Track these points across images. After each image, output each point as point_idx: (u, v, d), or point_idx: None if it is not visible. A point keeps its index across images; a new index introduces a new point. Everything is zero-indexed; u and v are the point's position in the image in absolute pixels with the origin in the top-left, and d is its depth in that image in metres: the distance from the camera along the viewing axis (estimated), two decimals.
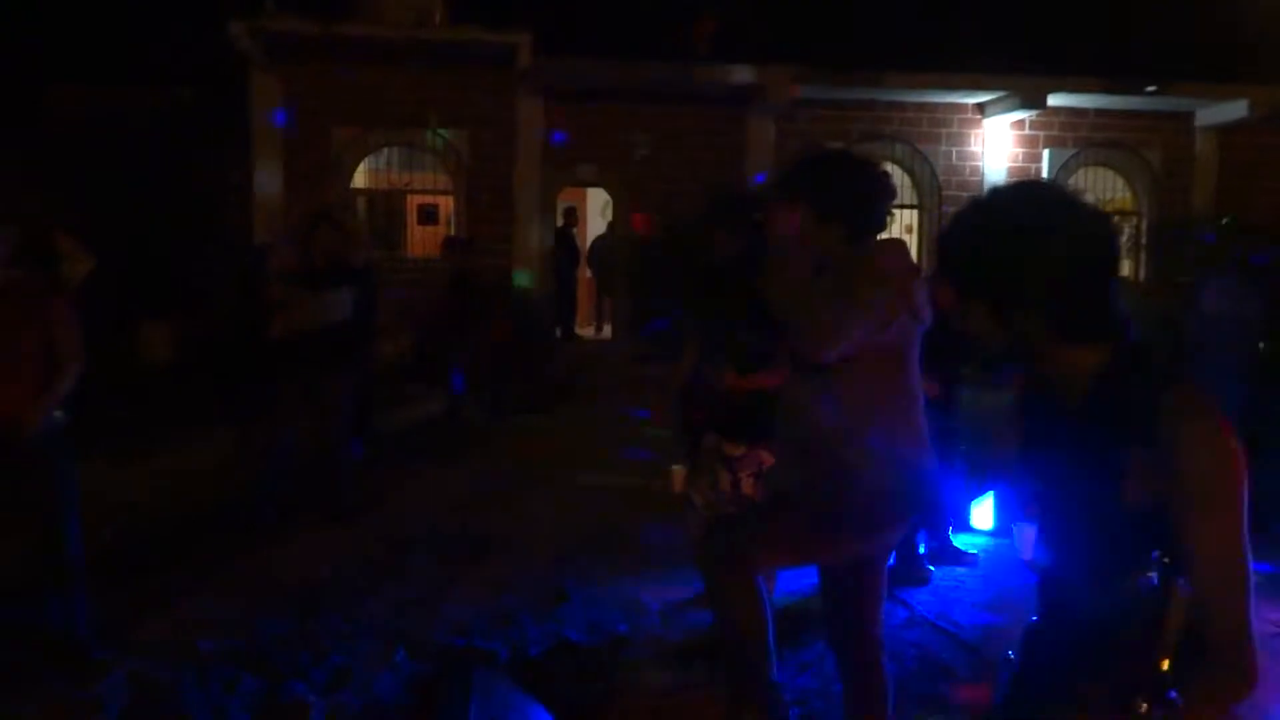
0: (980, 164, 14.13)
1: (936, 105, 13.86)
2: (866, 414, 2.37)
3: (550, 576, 4.87)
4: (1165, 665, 1.34)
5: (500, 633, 4.10)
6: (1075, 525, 1.53)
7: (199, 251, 11.72)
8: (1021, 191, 1.60)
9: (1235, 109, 13.47)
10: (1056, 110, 13.76)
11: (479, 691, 2.66)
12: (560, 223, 14.32)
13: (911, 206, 14.44)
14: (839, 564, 2.49)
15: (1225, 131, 14.08)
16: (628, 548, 5.32)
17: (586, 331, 15.30)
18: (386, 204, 13.97)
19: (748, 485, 3.58)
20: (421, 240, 13.95)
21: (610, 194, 14.21)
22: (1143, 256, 14.33)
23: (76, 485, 3.75)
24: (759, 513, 2.90)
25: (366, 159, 13.56)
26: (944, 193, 14.10)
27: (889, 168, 14.43)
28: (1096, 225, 1.51)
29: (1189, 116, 14.16)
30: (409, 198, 13.93)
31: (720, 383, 3.62)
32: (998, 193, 1.62)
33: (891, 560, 4.79)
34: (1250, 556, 1.37)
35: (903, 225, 14.71)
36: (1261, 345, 6.00)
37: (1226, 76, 13.06)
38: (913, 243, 14.53)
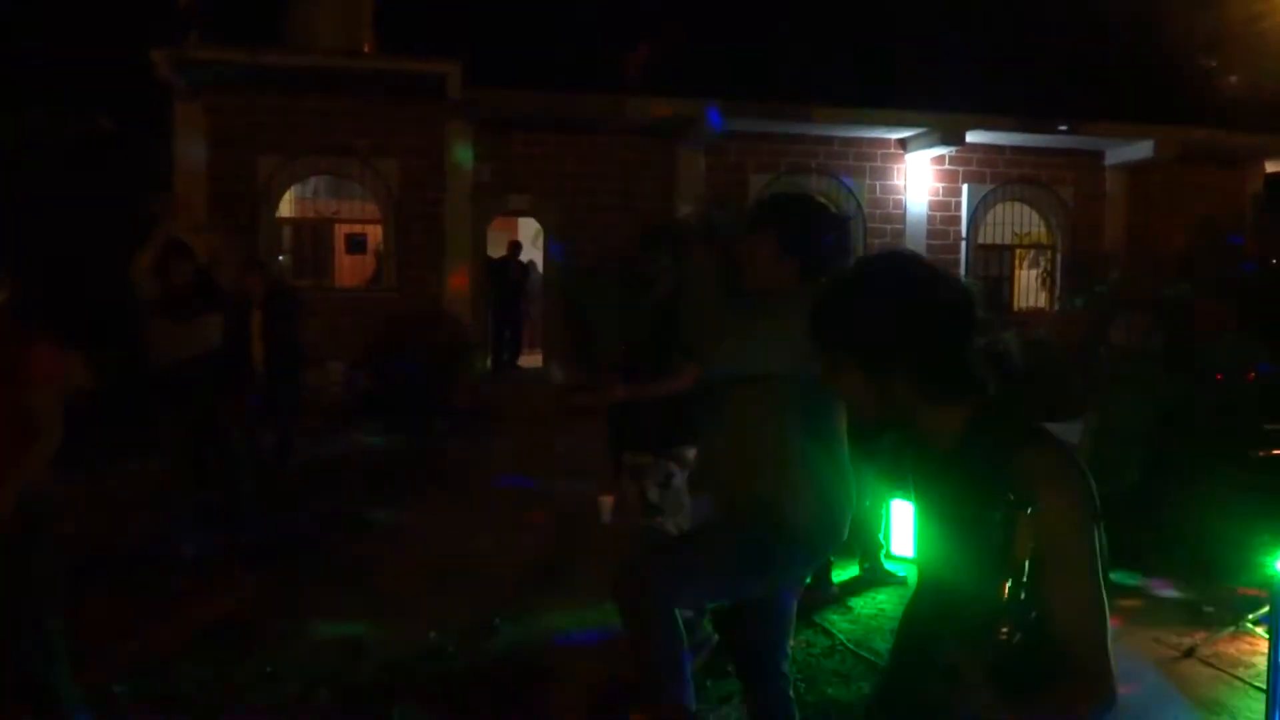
0: (903, 197, 14.52)
1: (861, 140, 14.22)
2: (792, 442, 2.42)
3: (478, 609, 4.82)
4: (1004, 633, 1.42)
5: (425, 669, 4.06)
6: (947, 569, 1.60)
7: (117, 280, 11.42)
8: (890, 262, 1.68)
9: (1142, 149, 14.10)
10: (975, 147, 14.24)
11: None
12: (504, 252, 14.36)
13: None
14: (752, 597, 2.55)
15: (1133, 170, 14.71)
16: (556, 579, 5.31)
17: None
18: (314, 233, 13.80)
19: (654, 495, 3.66)
20: (350, 269, 13.81)
21: (541, 224, 14.24)
22: (1056, 289, 14.84)
23: (49, 583, 3.01)
24: (678, 545, 2.94)
25: (294, 187, 13.40)
26: (869, 225, 14.44)
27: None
28: (958, 294, 1.61)
29: (1099, 155, 14.77)
30: (337, 227, 13.79)
31: (612, 395, 3.71)
32: (869, 263, 1.72)
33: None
34: (1105, 594, 1.45)
35: None
36: (1164, 376, 6.22)
37: (1134, 118, 13.66)
38: None
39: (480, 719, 3.49)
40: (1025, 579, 1.39)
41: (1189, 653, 4.29)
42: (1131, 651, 4.39)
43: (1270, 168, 15.46)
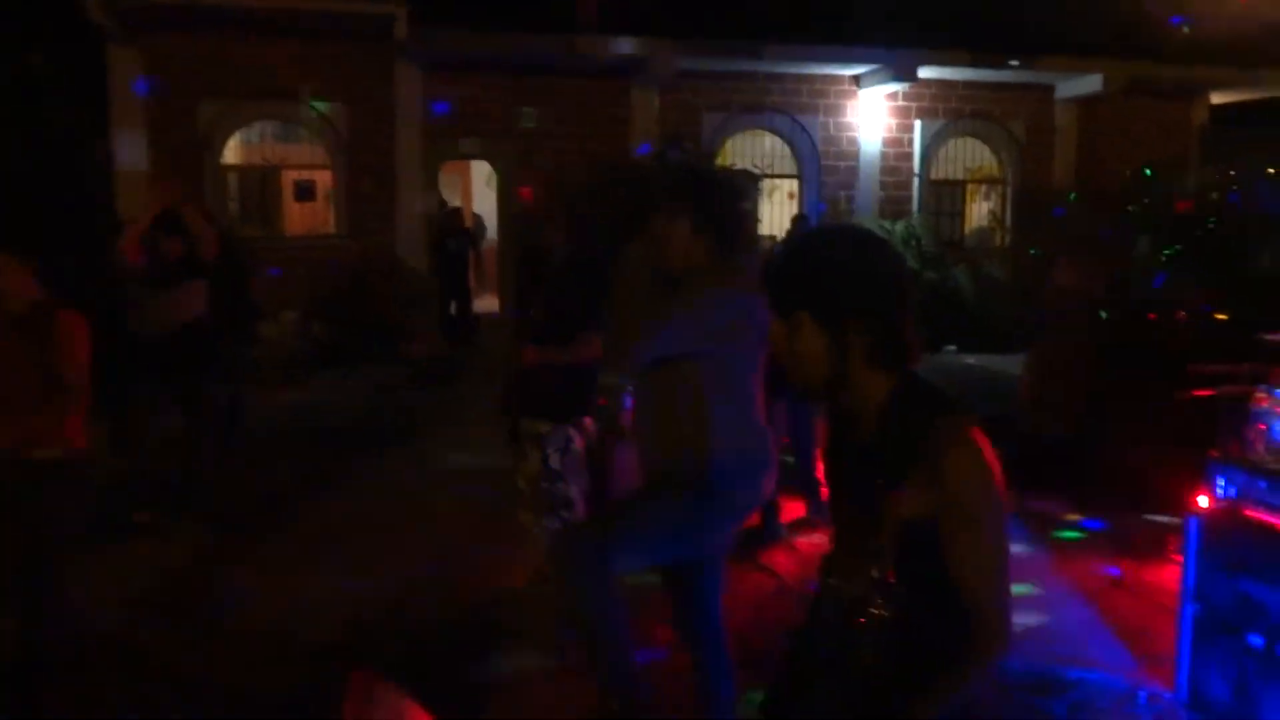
0: (856, 135, 14.53)
1: (814, 77, 14.16)
2: (714, 413, 2.52)
3: (439, 566, 4.91)
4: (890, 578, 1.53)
5: (385, 627, 4.14)
6: (859, 530, 1.70)
7: (59, 226, 11.16)
8: (851, 231, 1.83)
9: (1091, 83, 14.19)
10: (928, 83, 14.23)
11: (357, 696, 2.70)
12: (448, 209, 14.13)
13: (792, 176, 14.78)
14: (687, 558, 2.65)
15: (1083, 104, 14.81)
16: (518, 532, 5.39)
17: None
18: (260, 180, 13.54)
19: (555, 460, 3.76)
20: (299, 217, 13.60)
21: (494, 168, 14.09)
22: (1007, 223, 15.02)
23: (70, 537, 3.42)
24: (613, 513, 3.04)
25: (238, 133, 13.10)
26: (822, 162, 14.46)
27: (769, 138, 14.76)
28: (900, 266, 1.74)
29: (1050, 90, 14.85)
30: (284, 173, 13.54)
31: (520, 359, 3.79)
32: (832, 230, 1.85)
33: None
34: (1008, 555, 1.56)
35: (784, 193, 15.09)
36: (1104, 315, 6.40)
37: (1083, 51, 13.71)
38: (793, 210, 14.91)
39: (440, 678, 3.58)
40: (900, 551, 1.47)
41: (1117, 582, 4.50)
42: (1063, 583, 4.61)
43: (1216, 99, 15.65)
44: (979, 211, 15.77)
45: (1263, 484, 3.10)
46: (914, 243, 13.58)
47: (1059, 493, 5.83)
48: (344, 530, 5.54)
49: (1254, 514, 3.11)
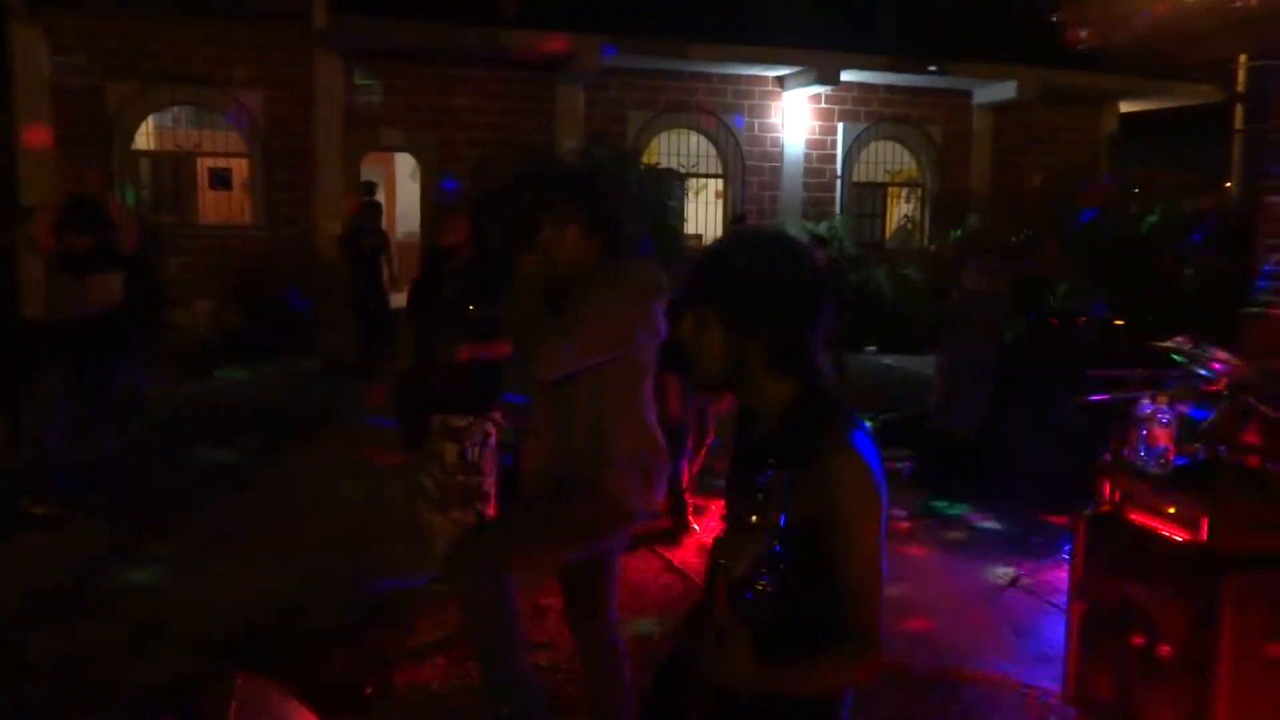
0: (780, 135, 14.68)
1: (739, 77, 14.27)
2: (610, 419, 2.52)
3: (340, 562, 4.83)
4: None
5: (279, 626, 4.06)
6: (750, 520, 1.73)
7: None
8: (769, 235, 1.82)
9: (1006, 89, 14.56)
10: (850, 86, 14.45)
11: (241, 699, 2.65)
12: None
13: (717, 175, 14.87)
14: (582, 558, 2.66)
15: (998, 109, 15.19)
16: (402, 534, 5.28)
17: None
18: (174, 167, 13.14)
19: (473, 454, 3.79)
20: (214, 205, 13.23)
21: (417, 160, 13.88)
22: (926, 226, 15.35)
23: None
24: (507, 521, 3.02)
25: (152, 118, 12.69)
26: (747, 162, 14.59)
27: (695, 137, 14.80)
28: (815, 277, 1.75)
29: (967, 95, 15.20)
30: (199, 160, 13.16)
31: (454, 356, 3.79)
32: (751, 233, 1.91)
33: None
34: (883, 565, 1.59)
35: (711, 192, 15.19)
36: (1009, 321, 6.56)
37: (999, 58, 14.05)
38: (718, 209, 15.00)
39: (334, 678, 3.52)
40: (788, 536, 1.50)
41: (1014, 582, 4.63)
42: (961, 583, 4.73)
43: (1125, 108, 16.19)
44: (899, 213, 16.07)
45: (1144, 487, 3.21)
46: (837, 244, 13.78)
47: (964, 493, 5.98)
48: (244, 524, 5.44)
49: (1136, 517, 3.22)
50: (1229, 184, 8.42)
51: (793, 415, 1.68)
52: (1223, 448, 3.37)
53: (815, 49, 13.42)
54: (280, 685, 3.01)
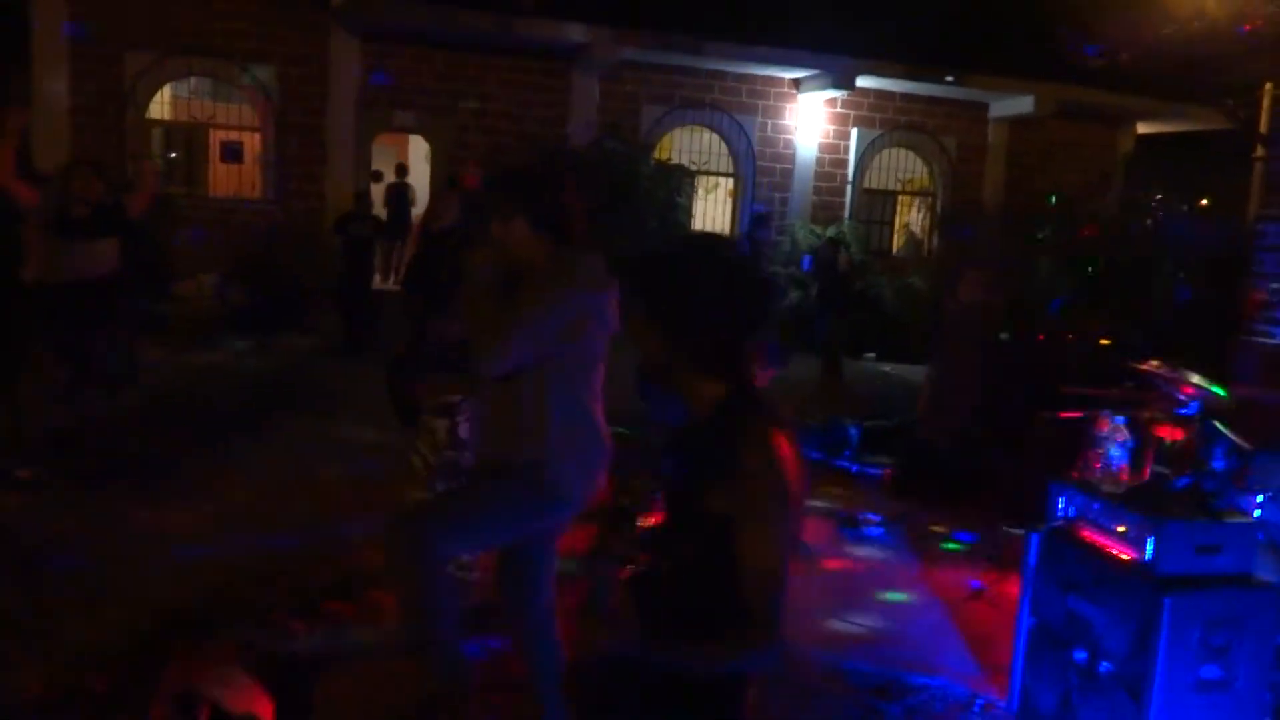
0: (793, 138, 14.66)
1: (755, 77, 14.25)
2: (552, 409, 2.55)
3: (315, 535, 4.86)
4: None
5: (252, 594, 4.09)
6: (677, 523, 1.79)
7: None
8: (709, 247, 1.88)
9: (1023, 103, 14.52)
10: (865, 92, 14.42)
11: (191, 672, 2.69)
12: (392, 177, 13.87)
13: (727, 174, 14.87)
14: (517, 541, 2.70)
15: (1014, 123, 15.14)
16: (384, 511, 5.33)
17: None
18: (187, 138, 13.22)
19: (464, 429, 3.83)
20: (225, 178, 13.30)
21: (430, 144, 13.93)
22: (936, 235, 15.31)
23: None
24: (443, 501, 3.05)
25: (166, 88, 12.77)
26: (759, 163, 14.58)
27: (708, 135, 14.80)
28: (757, 289, 1.82)
29: (984, 108, 15.16)
30: (212, 133, 13.23)
31: (448, 333, 3.82)
32: (692, 243, 2.02)
33: None
34: (785, 554, 1.63)
35: (724, 190, 15.18)
36: (1003, 335, 6.56)
37: (1016, 72, 14.00)
38: (729, 208, 15.00)
39: (299, 648, 3.56)
40: (693, 522, 1.54)
41: (978, 595, 4.63)
42: (927, 591, 4.74)
43: (1142, 129, 16.12)
44: (909, 222, 16.03)
45: (1096, 505, 3.22)
46: (843, 249, 13.76)
47: (942, 502, 5.98)
48: (227, 496, 5.46)
49: (1087, 534, 3.23)
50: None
51: (718, 413, 1.76)
52: (1189, 472, 3.39)
53: (831, 53, 13.41)
54: (236, 660, 3.06)
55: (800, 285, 12.79)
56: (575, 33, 12.67)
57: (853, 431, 7.21)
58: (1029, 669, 3.42)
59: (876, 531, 5.53)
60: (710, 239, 1.99)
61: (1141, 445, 3.50)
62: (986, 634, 4.23)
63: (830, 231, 13.56)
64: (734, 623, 1.65)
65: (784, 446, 1.69)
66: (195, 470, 5.92)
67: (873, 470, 6.79)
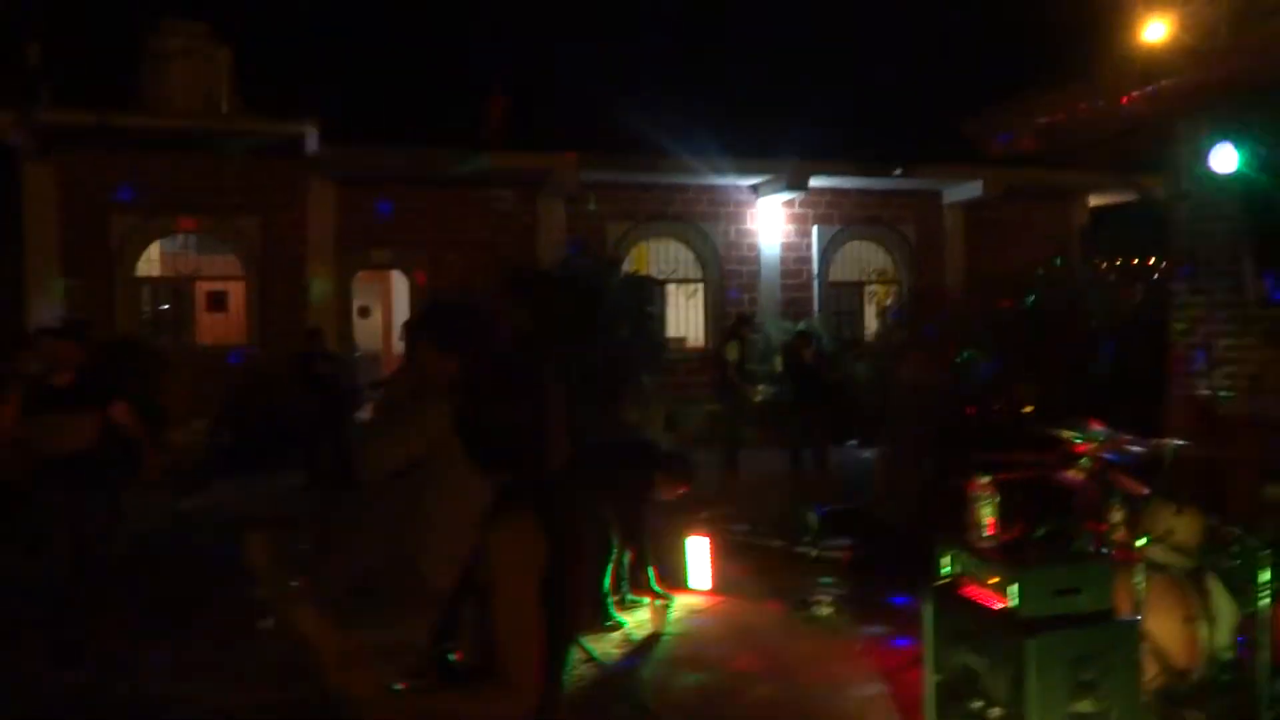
0: (756, 240, 15.23)
1: (714, 187, 14.90)
2: (433, 508, 2.86)
3: (291, 688, 5.03)
4: None
5: None
6: None
7: None
8: (496, 361, 2.24)
9: (973, 188, 15.13)
10: (821, 191, 15.06)
11: None
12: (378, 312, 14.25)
13: (696, 280, 15.39)
14: None
15: (968, 207, 15.73)
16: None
17: None
18: (174, 291, 13.81)
19: None
20: (211, 328, 13.83)
21: (408, 277, 14.49)
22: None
23: None
24: None
25: (153, 245, 13.41)
26: (725, 267, 15.11)
27: (673, 245, 15.32)
28: (524, 393, 2.07)
29: (937, 195, 15.77)
30: (197, 284, 13.83)
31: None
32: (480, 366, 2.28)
33: None
34: (541, 624, 1.87)
35: (701, 297, 15.67)
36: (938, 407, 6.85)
37: (962, 159, 14.61)
38: (699, 312, 15.45)
39: None
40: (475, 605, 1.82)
41: (915, 660, 4.80)
42: (865, 664, 4.93)
43: (1094, 201, 16.69)
44: (877, 310, 16.46)
45: (975, 561, 3.47)
46: (815, 342, 14.15)
47: (899, 579, 6.16)
48: (199, 632, 5.64)
49: (968, 589, 3.47)
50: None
51: (494, 498, 2.02)
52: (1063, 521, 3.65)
53: (782, 157, 14.07)
54: None
55: (775, 381, 13.12)
56: (538, 161, 13.38)
57: (815, 516, 7.42)
58: None
59: (825, 612, 5.72)
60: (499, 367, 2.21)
61: (1018, 501, 3.77)
62: (914, 696, 4.41)
63: (800, 326, 13.95)
64: (491, 679, 1.85)
65: (528, 526, 1.90)
66: (182, 625, 6.09)
67: (833, 552, 6.98)
